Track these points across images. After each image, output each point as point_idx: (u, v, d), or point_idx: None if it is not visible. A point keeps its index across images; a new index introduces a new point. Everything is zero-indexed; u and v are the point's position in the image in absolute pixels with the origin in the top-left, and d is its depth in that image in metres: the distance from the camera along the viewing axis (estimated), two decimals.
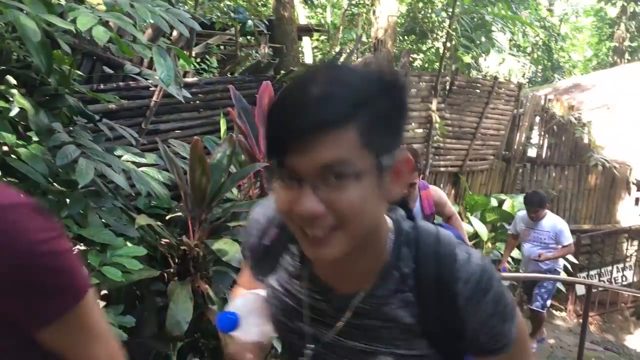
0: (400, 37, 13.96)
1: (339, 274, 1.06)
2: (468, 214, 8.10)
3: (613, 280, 9.54)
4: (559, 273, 6.01)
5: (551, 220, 5.79)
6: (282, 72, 5.81)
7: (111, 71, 4.00)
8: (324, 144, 0.86)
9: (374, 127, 0.88)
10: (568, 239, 5.73)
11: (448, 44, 8.42)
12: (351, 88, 0.89)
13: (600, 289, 8.60)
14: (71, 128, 3.10)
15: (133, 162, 3.26)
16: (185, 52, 4.94)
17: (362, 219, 0.91)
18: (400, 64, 7.60)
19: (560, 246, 5.76)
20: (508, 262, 6.69)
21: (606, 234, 9.54)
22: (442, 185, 8.31)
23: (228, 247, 2.98)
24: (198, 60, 5.84)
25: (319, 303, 1.09)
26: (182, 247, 3.21)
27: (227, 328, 1.18)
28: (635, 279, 9.82)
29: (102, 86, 3.91)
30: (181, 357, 3.70)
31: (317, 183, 0.88)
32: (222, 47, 8.84)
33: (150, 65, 4.09)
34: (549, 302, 6.08)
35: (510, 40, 16.97)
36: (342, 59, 6.39)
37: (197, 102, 4.68)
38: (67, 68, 3.10)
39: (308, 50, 12.30)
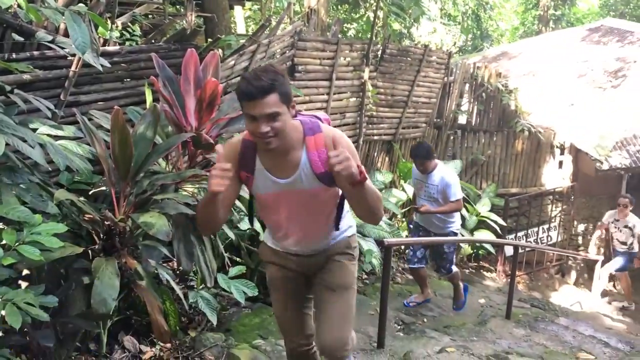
0: (334, 7, 13.85)
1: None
2: (402, 181, 8.24)
3: (539, 241, 10.00)
4: (454, 233, 5.67)
5: (440, 173, 5.40)
6: (209, 40, 5.66)
7: (22, 39, 3.75)
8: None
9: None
10: (455, 194, 5.34)
11: (379, 13, 8.42)
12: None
13: (527, 249, 9.00)
14: None
15: (51, 135, 3.10)
16: (108, 20, 4.71)
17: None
18: (332, 32, 7.54)
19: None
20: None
21: (532, 197, 9.95)
22: (375, 153, 8.39)
23: (155, 220, 2.89)
24: (121, 29, 5.57)
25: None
26: (107, 223, 3.10)
27: None
28: (559, 239, 10.33)
29: (14, 55, 3.67)
30: (112, 335, 3.62)
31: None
32: (150, 16, 8.49)
33: (68, 34, 3.86)
34: (454, 262, 5.93)
35: (442, 10, 17.18)
36: (270, 28, 6.25)
37: (120, 72, 4.47)
38: None
39: (240, 20, 12.02)
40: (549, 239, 10.21)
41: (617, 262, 8.46)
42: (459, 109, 9.57)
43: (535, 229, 9.98)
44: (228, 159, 2.27)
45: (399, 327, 5.31)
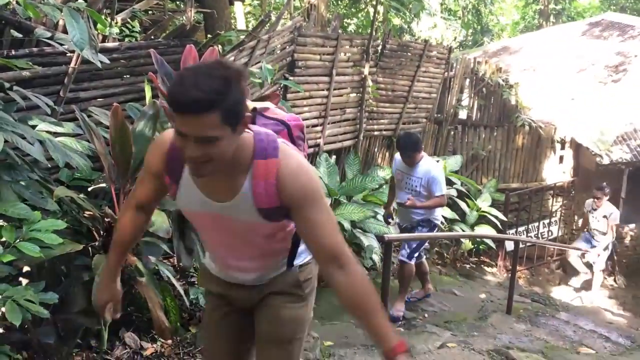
0: (334, 2, 13.83)
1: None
2: None
3: (540, 236, 9.98)
4: (436, 225, 5.41)
5: (426, 167, 5.14)
6: (209, 36, 5.65)
7: (21, 36, 3.75)
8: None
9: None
10: (440, 189, 5.10)
11: (379, 8, 8.40)
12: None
13: (528, 244, 8.99)
14: None
15: (50, 132, 3.10)
16: (107, 17, 4.71)
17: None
18: (332, 27, 7.52)
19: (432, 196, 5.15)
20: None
21: (533, 192, 9.93)
22: (376, 149, 8.38)
23: (155, 218, 2.89)
24: (120, 25, 5.57)
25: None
26: (107, 219, 3.10)
27: None
28: (560, 234, 10.32)
29: (13, 52, 3.66)
30: (113, 332, 3.62)
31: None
32: (150, 12, 8.48)
33: (66, 30, 3.86)
34: (422, 255, 5.65)
35: (442, 4, 17.14)
36: (271, 22, 6.24)
37: (120, 68, 4.47)
38: None
39: (240, 16, 12.00)
40: (550, 233, 10.20)
41: (597, 251, 8.74)
42: (460, 104, 9.55)
43: (536, 224, 9.97)
44: (153, 157, 1.87)
45: (400, 322, 5.31)
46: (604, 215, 8.45)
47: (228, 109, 1.54)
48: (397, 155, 5.34)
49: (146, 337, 3.72)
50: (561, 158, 10.21)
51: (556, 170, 10.20)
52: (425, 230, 5.33)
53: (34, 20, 3.63)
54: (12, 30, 3.73)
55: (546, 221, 10.13)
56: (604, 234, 8.58)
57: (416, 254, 5.37)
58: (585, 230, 9.04)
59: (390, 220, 5.72)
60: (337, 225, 1.83)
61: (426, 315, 5.73)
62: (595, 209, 8.54)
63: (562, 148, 10.20)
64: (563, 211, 10.35)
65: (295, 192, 1.73)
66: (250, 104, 1.88)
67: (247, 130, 1.71)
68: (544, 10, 21.28)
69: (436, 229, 5.45)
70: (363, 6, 13.90)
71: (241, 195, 1.76)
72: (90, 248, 3.15)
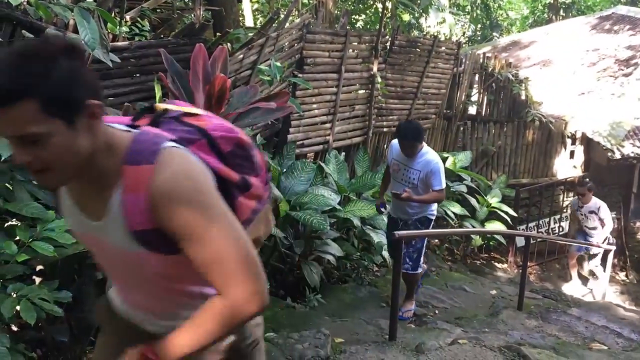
0: None
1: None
2: None
3: (551, 231, 9.95)
4: (431, 221, 5.05)
5: (425, 159, 4.75)
6: (218, 34, 5.66)
7: (32, 36, 3.77)
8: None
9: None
10: (440, 183, 4.72)
11: (387, 4, 8.38)
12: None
13: (538, 239, 8.96)
14: None
15: None
16: (117, 16, 4.73)
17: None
18: (340, 24, 7.51)
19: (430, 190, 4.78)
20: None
21: (543, 187, 9.89)
22: (385, 145, 8.37)
23: None
24: (130, 24, 5.60)
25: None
26: None
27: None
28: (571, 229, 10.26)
29: None
30: None
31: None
32: (159, 11, 8.51)
33: (77, 30, 3.88)
34: (422, 262, 5.17)
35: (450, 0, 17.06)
36: (279, 20, 6.25)
37: (130, 67, 4.50)
38: None
39: (248, 13, 12.01)
40: (561, 229, 10.16)
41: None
42: (469, 99, 9.52)
43: (547, 220, 9.93)
44: None
45: (410, 319, 5.31)
46: (592, 211, 8.16)
47: (50, 96, 1.15)
48: (395, 143, 4.91)
49: None
50: (572, 153, 10.15)
51: (567, 165, 10.14)
52: (419, 245, 5.00)
53: (45, 20, 3.65)
54: (23, 31, 3.75)
55: (557, 217, 10.09)
56: (594, 229, 8.31)
57: (420, 262, 5.07)
58: (578, 229, 8.84)
59: (382, 209, 5.37)
60: (236, 252, 1.29)
61: (437, 311, 5.72)
62: (581, 207, 8.26)
63: (573, 143, 10.13)
64: None
65: (167, 212, 1.26)
66: (163, 105, 1.50)
67: (113, 126, 1.33)
68: (554, 4, 21.11)
69: (431, 224, 5.09)
70: (371, 2, 13.88)
71: (110, 213, 1.31)
72: None
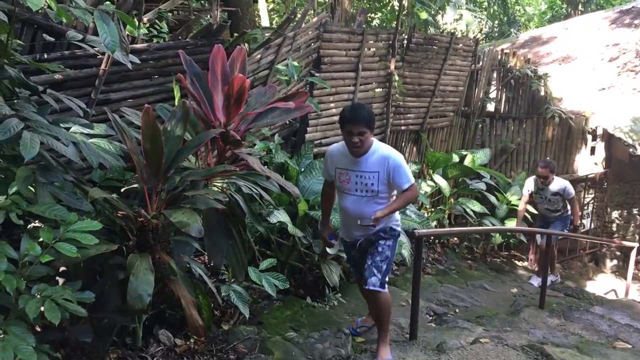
0: None
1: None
2: (430, 171, 8.17)
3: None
4: (395, 232, 3.88)
5: (381, 153, 3.65)
6: (235, 35, 5.67)
7: (53, 39, 3.81)
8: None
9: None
10: (408, 178, 3.66)
11: (404, 1, 8.34)
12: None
13: (559, 237, 8.85)
14: (13, 101, 2.96)
15: (83, 134, 3.14)
16: (135, 18, 4.76)
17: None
18: (356, 23, 7.49)
19: (393, 194, 3.79)
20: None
21: None
22: (403, 144, 8.33)
23: (187, 217, 2.92)
24: (148, 26, 5.63)
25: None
26: (140, 219, 3.14)
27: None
28: (592, 226, 10.14)
29: (45, 56, 3.73)
30: (147, 329, 3.68)
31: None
32: (175, 12, 8.56)
33: (97, 32, 3.92)
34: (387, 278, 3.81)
35: None
36: (296, 19, 6.24)
37: (149, 69, 4.53)
38: (5, 37, 2.94)
39: (264, 13, 12.03)
40: (582, 226, 10.03)
41: (555, 229, 7.40)
42: (487, 96, 9.45)
43: None
44: None
45: (431, 318, 5.28)
46: (556, 193, 7.23)
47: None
48: (333, 149, 3.81)
49: (179, 334, 3.78)
50: (593, 149, 10.02)
51: (588, 161, 10.01)
52: (390, 244, 3.82)
53: (65, 23, 3.69)
54: (44, 34, 3.80)
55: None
56: (556, 211, 7.39)
57: (387, 277, 3.83)
58: (542, 214, 7.68)
59: (333, 241, 4.04)
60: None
61: (457, 310, 5.68)
62: (542, 189, 7.32)
63: (594, 139, 10.00)
64: (595, 203, 10.17)
65: None
66: None
67: None
68: None
69: (397, 239, 3.93)
70: (387, 0, 13.82)
71: None
72: (124, 247, 3.19)
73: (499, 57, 9.54)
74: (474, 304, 6.00)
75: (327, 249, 4.18)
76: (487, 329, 4.83)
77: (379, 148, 3.66)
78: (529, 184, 7.46)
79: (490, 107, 9.65)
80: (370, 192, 3.67)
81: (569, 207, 7.41)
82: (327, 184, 4.02)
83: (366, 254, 3.82)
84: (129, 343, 3.52)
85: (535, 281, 7.50)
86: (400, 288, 5.94)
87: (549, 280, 7.07)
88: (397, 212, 3.88)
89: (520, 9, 21.75)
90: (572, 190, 7.27)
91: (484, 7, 18.69)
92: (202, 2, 9.44)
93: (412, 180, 3.67)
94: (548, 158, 8.26)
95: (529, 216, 8.23)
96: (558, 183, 7.26)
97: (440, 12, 12.92)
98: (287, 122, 6.13)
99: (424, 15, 8.08)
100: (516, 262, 9.16)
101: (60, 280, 3.06)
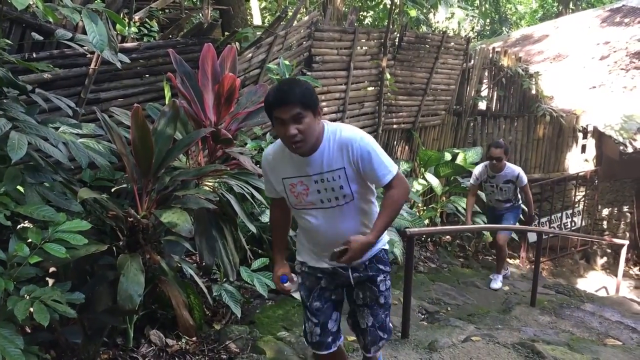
0: None
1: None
2: (422, 169, 8.19)
3: (563, 226, 9.87)
4: (387, 254, 2.78)
5: (341, 139, 2.46)
6: (226, 34, 5.65)
7: (42, 38, 3.79)
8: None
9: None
10: (389, 163, 2.50)
11: (396, 0, 8.34)
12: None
13: (550, 235, 8.90)
14: (2, 100, 2.94)
15: (72, 134, 3.12)
16: (126, 17, 4.74)
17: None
18: (348, 21, 7.49)
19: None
20: None
21: (555, 182, 9.82)
22: (395, 142, 8.34)
23: (177, 217, 2.90)
24: (138, 24, 5.60)
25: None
26: (130, 219, 3.12)
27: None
28: (583, 224, 10.19)
29: (34, 55, 3.71)
30: (138, 329, 3.66)
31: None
32: (166, 10, 8.53)
33: (86, 32, 3.89)
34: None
35: None
36: (287, 18, 6.23)
37: (139, 68, 4.50)
38: None
39: (256, 12, 12.01)
40: (573, 224, 10.08)
41: (508, 222, 6.65)
42: (479, 95, 9.47)
43: (559, 215, 9.86)
44: None
45: (423, 316, 5.29)
46: (508, 180, 6.39)
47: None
48: (268, 154, 2.59)
49: (171, 334, 3.76)
50: (583, 147, 10.07)
51: (578, 159, 10.06)
52: (389, 283, 2.77)
53: (55, 22, 3.67)
54: (32, 33, 3.77)
55: (569, 211, 10.02)
56: (508, 201, 6.56)
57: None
58: (491, 206, 6.85)
59: (288, 284, 2.71)
60: None
61: (449, 308, 5.70)
62: (492, 176, 6.44)
63: (585, 137, 10.05)
64: (586, 201, 10.22)
65: None
66: None
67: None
68: None
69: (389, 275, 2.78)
70: None
71: None
72: (114, 248, 3.18)
73: (491, 55, 9.56)
74: (466, 302, 6.01)
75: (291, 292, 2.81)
76: (478, 327, 4.84)
77: (335, 131, 2.47)
78: (478, 172, 6.60)
79: (482, 105, 9.67)
80: (342, 197, 2.48)
81: (519, 196, 6.64)
82: (275, 205, 2.79)
83: (358, 297, 2.70)
84: (120, 343, 3.50)
85: (496, 284, 6.87)
86: (392, 287, 5.94)
87: (502, 276, 6.97)
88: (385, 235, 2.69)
89: (512, 7, 21.81)
90: (525, 177, 6.45)
91: (476, 5, 18.74)
92: (193, 0, 9.40)
93: (394, 167, 2.50)
94: (501, 139, 7.66)
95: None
96: (510, 169, 6.41)
97: (432, 10, 12.94)
98: None
99: (413, 12, 8.09)
100: (508, 260, 9.18)
101: (50, 281, 3.04)
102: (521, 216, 7.06)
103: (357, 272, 2.66)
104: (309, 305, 2.71)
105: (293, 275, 2.75)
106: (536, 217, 8.00)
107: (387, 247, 2.75)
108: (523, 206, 6.91)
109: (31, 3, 2.50)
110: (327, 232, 2.56)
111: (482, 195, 7.06)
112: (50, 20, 2.92)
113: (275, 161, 2.56)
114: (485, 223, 7.93)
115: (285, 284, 2.71)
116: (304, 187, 2.52)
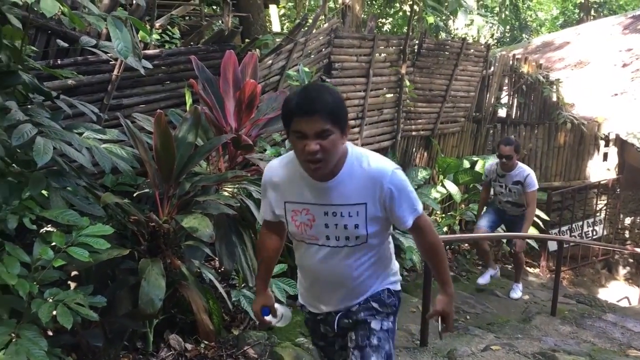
0: (368, 2, 13.78)
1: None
2: (441, 177, 8.14)
3: (584, 235, 9.75)
4: (398, 303, 2.34)
5: (367, 167, 2.11)
6: (246, 40, 5.69)
7: (67, 45, 3.85)
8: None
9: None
10: (415, 207, 2.15)
11: (415, 7, 8.33)
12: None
13: (571, 244, 8.79)
14: (27, 106, 2.99)
15: (95, 139, 3.17)
16: (147, 24, 4.80)
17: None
18: (367, 28, 7.49)
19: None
20: None
21: (576, 190, 9.70)
22: (413, 149, 8.31)
23: (198, 223, 2.93)
24: (160, 31, 5.67)
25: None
26: (151, 224, 3.15)
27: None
28: (604, 233, 10.05)
29: (59, 61, 3.76)
30: (158, 334, 3.69)
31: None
32: (187, 18, 8.62)
33: (110, 38, 3.95)
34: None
35: (478, 1, 16.89)
36: (307, 25, 6.26)
37: (161, 74, 4.55)
38: (19, 43, 2.97)
39: (275, 19, 12.08)
40: (594, 233, 9.95)
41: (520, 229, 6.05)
42: (499, 102, 9.41)
43: (580, 223, 9.74)
44: None
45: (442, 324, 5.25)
46: (517, 181, 5.86)
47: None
48: (273, 169, 2.20)
49: (190, 339, 3.78)
50: (605, 155, 9.94)
51: (600, 167, 9.94)
52: (389, 326, 2.26)
53: (79, 29, 3.72)
54: (57, 40, 3.83)
55: (590, 220, 9.89)
56: (519, 205, 6.01)
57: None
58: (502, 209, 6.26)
59: (269, 318, 2.44)
60: None
61: (468, 317, 5.65)
62: (502, 175, 5.95)
63: (607, 145, 9.93)
64: (608, 210, 10.08)
65: None
66: None
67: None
68: (585, 4, 20.76)
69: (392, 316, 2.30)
70: (398, 6, 13.82)
71: None
72: (135, 252, 3.21)
73: (511, 62, 9.51)
74: (485, 310, 5.96)
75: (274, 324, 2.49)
76: (498, 336, 4.80)
77: (361, 158, 2.10)
78: (487, 170, 6.24)
79: (502, 112, 9.61)
80: (354, 238, 2.09)
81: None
82: (268, 229, 2.35)
83: (351, 339, 2.24)
84: (139, 347, 3.53)
85: (516, 293, 6.58)
86: (410, 294, 5.92)
87: (490, 274, 6.57)
88: (394, 259, 2.36)
89: (532, 14, 21.67)
90: (535, 182, 5.87)
91: (495, 12, 18.66)
92: (213, 8, 9.48)
93: (421, 205, 2.17)
94: (512, 136, 7.33)
95: (539, 222, 8.18)
96: (521, 169, 5.90)
97: (451, 17, 12.90)
98: None
99: (431, 19, 8.07)
100: (527, 268, 9.09)
101: (72, 285, 3.08)
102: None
103: (346, 318, 2.23)
104: (321, 340, 2.43)
105: (278, 305, 2.46)
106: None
107: (394, 286, 2.29)
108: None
109: (58, 11, 2.54)
110: (327, 276, 2.18)
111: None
112: (76, 27, 2.97)
113: (281, 180, 2.14)
114: (504, 231, 7.85)
115: (267, 317, 2.41)
116: (308, 217, 2.10)
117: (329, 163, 1.97)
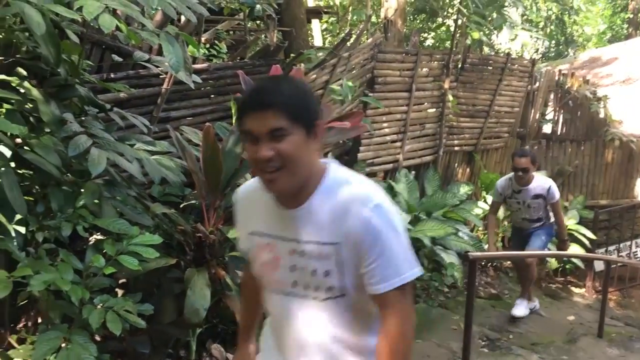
0: (411, 17, 13.80)
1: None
2: (484, 193, 8.04)
3: (632, 255, 9.44)
4: None
5: (347, 193, 1.55)
6: (292, 55, 5.76)
7: (120, 59, 3.98)
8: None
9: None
10: (401, 268, 1.59)
11: (459, 22, 8.30)
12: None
13: (619, 264, 8.53)
14: (82, 118, 3.10)
15: (145, 151, 3.26)
16: (194, 38, 4.92)
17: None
18: (411, 43, 7.50)
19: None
20: None
21: (624, 209, 9.41)
22: (456, 164, 8.24)
23: None
24: (207, 46, 5.81)
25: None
26: (198, 234, 3.21)
27: None
28: None
29: (112, 75, 3.90)
30: (200, 343, 3.74)
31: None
32: (231, 32, 8.80)
33: (160, 53, 4.06)
34: None
35: (523, 15, 16.70)
36: (351, 40, 6.31)
37: (208, 88, 4.66)
38: (77, 58, 3.09)
39: (317, 33, 12.21)
40: (568, 241, 9.56)
41: (537, 244, 5.66)
42: (544, 118, 9.25)
43: (628, 243, 9.43)
44: None
45: (484, 343, 5.16)
46: (537, 195, 5.43)
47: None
48: (242, 193, 1.79)
49: (231, 348, 3.81)
50: None
51: None
52: None
53: (132, 44, 3.85)
54: (112, 55, 3.97)
55: (639, 240, 9.57)
56: (537, 220, 5.63)
57: None
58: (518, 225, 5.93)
59: None
60: None
61: (511, 336, 5.54)
62: (518, 191, 5.48)
63: None
64: None
65: None
66: None
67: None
68: (633, 19, 20.27)
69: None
70: (440, 20, 13.79)
71: None
72: (182, 262, 3.27)
73: (557, 77, 9.35)
74: (529, 330, 5.83)
75: None
76: (542, 357, 4.69)
77: (341, 182, 1.53)
78: (501, 187, 5.62)
79: (547, 128, 9.43)
80: (324, 289, 1.54)
81: (551, 214, 5.65)
82: (248, 267, 1.85)
83: None
84: (183, 356, 3.58)
85: (519, 310, 5.91)
86: (451, 311, 5.84)
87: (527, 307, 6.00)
88: None
89: (578, 28, 21.28)
90: (557, 192, 5.50)
91: (541, 27, 18.40)
92: (257, 22, 9.64)
93: (412, 272, 1.60)
94: (527, 147, 6.84)
95: (586, 240, 7.98)
96: (540, 181, 5.46)
97: (496, 31, 12.80)
98: (341, 141, 6.17)
99: (476, 35, 8.02)
100: (573, 288, 8.85)
101: (119, 292, 3.16)
102: (554, 238, 6.15)
103: None
104: None
105: None
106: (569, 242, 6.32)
107: None
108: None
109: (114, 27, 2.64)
110: (289, 335, 1.63)
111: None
112: (133, 42, 3.08)
113: (247, 205, 1.70)
114: (549, 250, 7.69)
115: None
116: (272, 256, 1.59)
117: (290, 175, 1.43)
